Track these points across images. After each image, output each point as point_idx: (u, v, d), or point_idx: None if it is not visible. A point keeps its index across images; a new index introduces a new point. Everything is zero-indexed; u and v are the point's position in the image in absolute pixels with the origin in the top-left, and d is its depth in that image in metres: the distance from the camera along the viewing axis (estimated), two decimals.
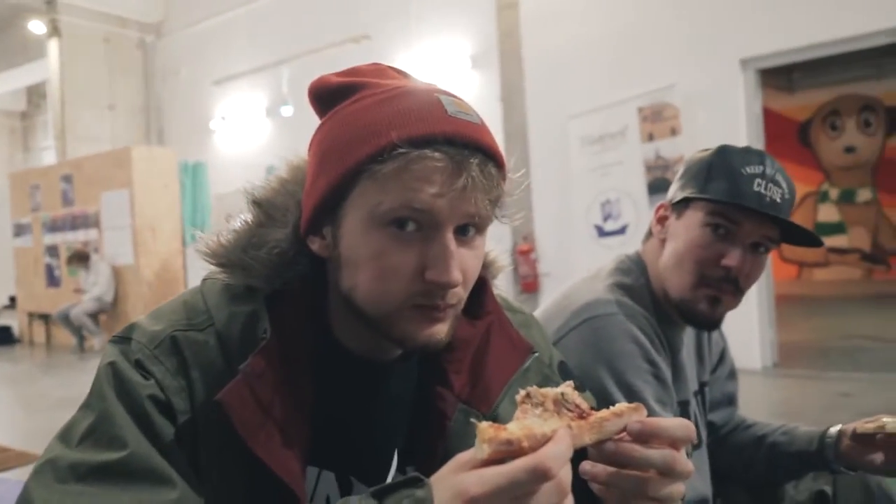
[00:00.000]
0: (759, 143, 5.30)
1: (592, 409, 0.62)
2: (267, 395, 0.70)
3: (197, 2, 9.83)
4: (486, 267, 0.89)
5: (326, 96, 0.78)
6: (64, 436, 0.69)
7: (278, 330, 0.74)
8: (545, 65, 6.36)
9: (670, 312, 1.28)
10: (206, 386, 0.72)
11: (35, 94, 14.26)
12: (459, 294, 0.74)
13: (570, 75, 6.16)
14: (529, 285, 6.43)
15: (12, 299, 10.35)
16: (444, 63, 7.02)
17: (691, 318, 1.23)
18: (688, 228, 1.21)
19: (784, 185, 1.17)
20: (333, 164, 0.71)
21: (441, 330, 0.73)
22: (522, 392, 0.60)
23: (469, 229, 0.72)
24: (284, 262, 0.78)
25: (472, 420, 0.59)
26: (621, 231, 5.72)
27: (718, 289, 1.19)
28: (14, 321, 10.18)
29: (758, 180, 1.15)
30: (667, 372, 1.20)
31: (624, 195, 5.70)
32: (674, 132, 5.39)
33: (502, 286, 0.96)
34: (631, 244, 5.82)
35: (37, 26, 9.85)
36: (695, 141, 5.28)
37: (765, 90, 5.59)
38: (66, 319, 8.24)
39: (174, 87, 10.28)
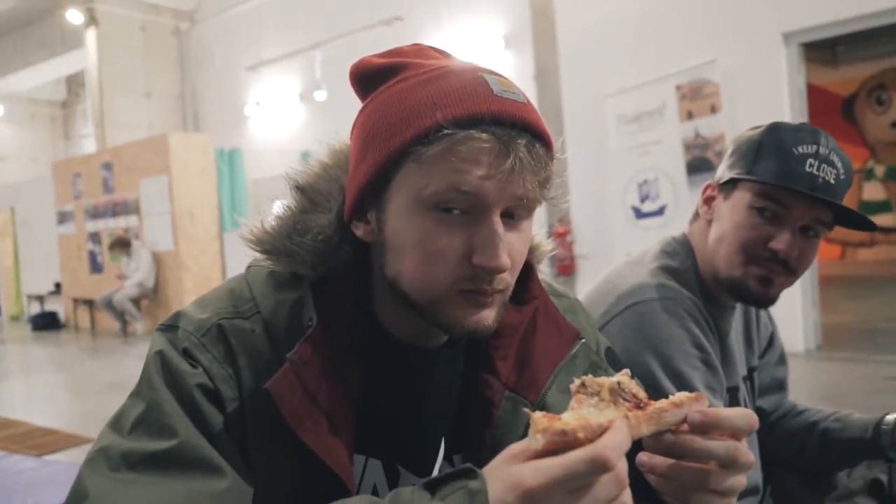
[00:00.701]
0: (802, 119, 5.15)
1: (650, 398, 0.60)
2: (314, 384, 0.70)
3: None
4: (531, 251, 0.86)
5: (368, 78, 0.76)
6: (115, 424, 0.70)
7: (324, 317, 0.73)
8: (580, 43, 6.25)
9: (719, 295, 1.24)
10: (253, 373, 0.72)
11: (74, 83, 14.54)
12: (507, 279, 0.72)
13: (606, 53, 6.06)
14: (566, 268, 6.38)
15: (58, 285, 10.61)
16: (477, 44, 6.96)
17: (744, 296, 1.20)
18: (734, 210, 1.17)
19: (839, 164, 1.11)
20: (377, 147, 0.70)
21: (488, 316, 0.72)
22: (577, 381, 0.58)
23: (516, 212, 0.71)
24: (329, 248, 0.77)
25: (525, 410, 0.58)
26: (659, 212, 5.63)
27: (768, 269, 1.15)
28: (60, 307, 10.46)
29: (810, 160, 1.10)
30: (716, 357, 1.17)
31: (662, 175, 5.60)
32: (713, 110, 5.27)
33: (545, 270, 0.94)
34: (669, 226, 5.79)
35: (74, 16, 9.99)
36: (736, 119, 5.17)
37: (808, 64, 5.42)
38: (109, 305, 8.44)
39: (208, 73, 10.37)
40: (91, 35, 10.00)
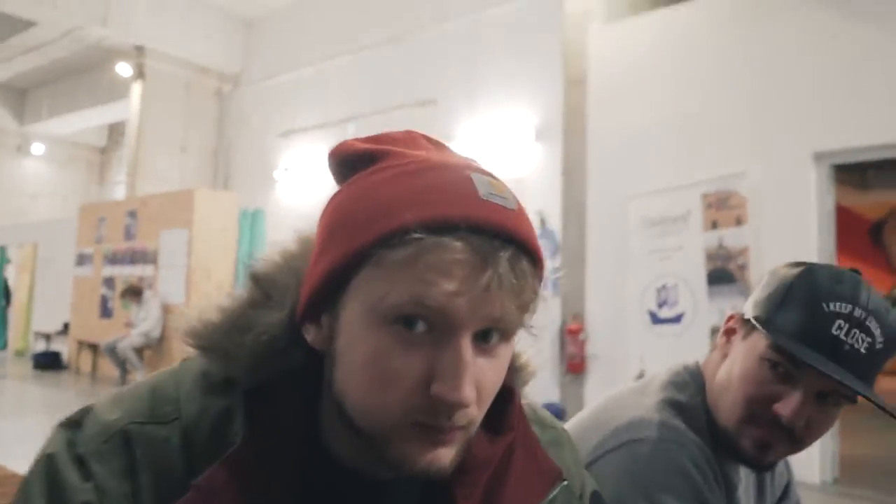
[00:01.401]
0: (829, 241, 5.05)
1: None
2: None
3: (274, 57, 10.19)
4: (516, 372, 0.76)
5: (347, 162, 0.66)
6: None
7: (256, 434, 0.62)
8: (609, 143, 6.28)
9: (729, 442, 1.09)
10: (156, 494, 0.60)
11: (115, 132, 14.95)
12: (471, 414, 0.60)
13: (634, 155, 6.06)
14: (576, 366, 6.20)
15: (66, 325, 10.58)
16: (508, 133, 7.02)
17: (737, 455, 1.06)
18: (747, 356, 1.04)
19: (877, 331, 0.95)
20: (338, 244, 0.60)
21: (444, 456, 0.60)
22: None
23: (492, 335, 0.60)
24: (273, 352, 0.66)
25: None
26: (676, 320, 5.49)
27: (768, 432, 1.00)
28: (64, 347, 10.38)
29: (840, 322, 0.94)
30: None
31: (682, 282, 5.49)
32: (739, 222, 5.19)
33: (535, 361, 0.83)
34: (685, 335, 5.63)
35: (124, 69, 10.34)
36: (761, 233, 5.08)
37: (837, 186, 5.36)
38: (112, 351, 8.34)
39: (244, 135, 10.58)
40: (137, 88, 10.30)
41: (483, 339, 0.59)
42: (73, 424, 0.64)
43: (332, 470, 0.66)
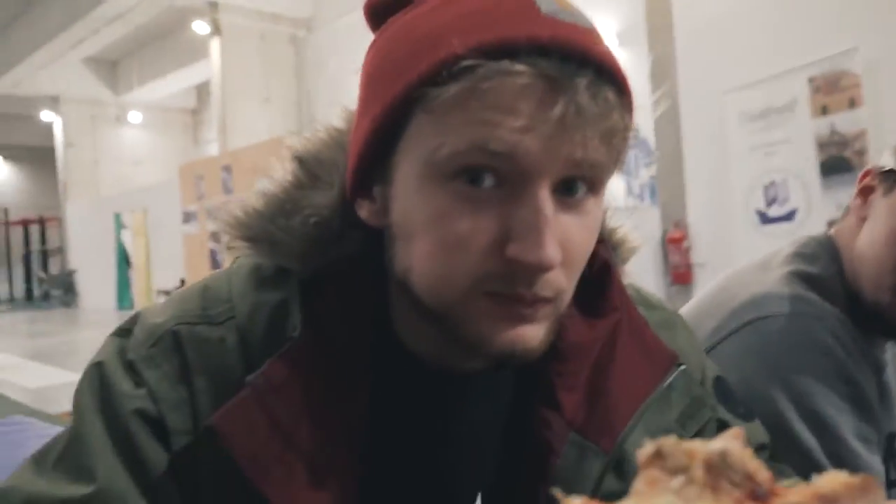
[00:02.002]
0: None
1: (778, 479, 0.35)
2: (289, 417, 0.52)
3: None
4: (613, 248, 0.66)
5: (381, 9, 0.56)
6: (40, 456, 0.55)
7: (316, 328, 0.55)
8: (698, 36, 5.84)
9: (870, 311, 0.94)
10: (215, 398, 0.54)
11: (203, 92, 15.35)
12: (558, 283, 0.51)
13: (728, 46, 5.60)
14: (681, 276, 5.97)
15: (182, 281, 11.19)
16: None
17: (888, 332, 0.92)
18: (892, 212, 0.88)
19: None
20: (379, 95, 0.51)
21: (530, 335, 0.51)
22: (650, 447, 0.34)
23: (577, 185, 0.50)
24: (327, 236, 0.58)
25: (555, 492, 0.33)
26: (789, 217, 5.15)
27: None
28: None
29: None
30: (871, 393, 0.87)
31: (792, 177, 5.12)
32: (853, 104, 4.74)
33: (637, 275, 0.71)
34: (800, 232, 5.22)
35: (201, 27, 10.50)
36: (881, 114, 4.63)
37: None
38: None
39: (323, 78, 10.60)
40: (215, 45, 10.46)
41: (566, 191, 0.50)
42: (123, 332, 0.59)
43: (408, 364, 0.59)
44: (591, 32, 0.49)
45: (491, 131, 0.46)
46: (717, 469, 0.33)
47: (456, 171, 0.48)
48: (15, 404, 5.37)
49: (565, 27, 0.47)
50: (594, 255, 0.60)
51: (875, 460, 0.84)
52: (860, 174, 0.95)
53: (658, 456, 0.33)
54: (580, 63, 0.46)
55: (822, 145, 4.91)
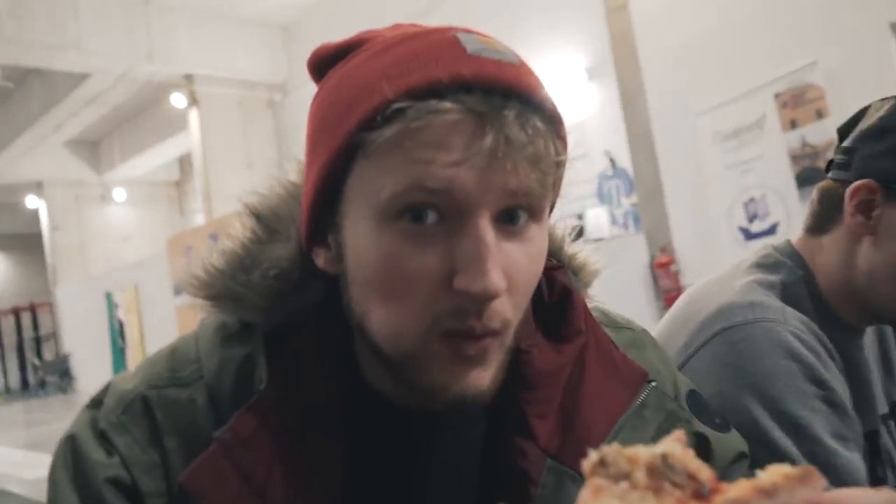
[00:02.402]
0: None
1: (720, 480, 0.36)
2: (260, 468, 0.53)
3: None
4: (574, 273, 0.68)
5: (324, 63, 0.59)
6: None
7: (282, 378, 0.56)
8: (665, 63, 5.95)
9: (843, 312, 0.96)
10: (186, 459, 0.54)
11: (186, 164, 15.46)
12: (504, 313, 0.52)
13: (694, 70, 5.72)
14: (673, 300, 5.95)
15: None
16: (559, 80, 6.80)
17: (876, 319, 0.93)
18: None
19: None
20: (323, 144, 0.53)
21: (481, 377, 0.53)
22: (594, 456, 0.35)
23: (517, 214, 0.51)
24: (287, 287, 0.59)
25: None
26: (771, 231, 5.18)
27: None
28: None
29: None
30: (842, 392, 0.88)
31: (770, 192, 5.18)
32: (820, 115, 4.83)
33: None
34: None
35: (178, 99, 10.63)
36: None
37: None
38: None
39: (302, 140, 10.71)
40: (194, 116, 10.58)
41: (508, 220, 0.51)
42: (95, 402, 0.60)
43: (377, 405, 0.60)
44: (515, 66, 0.51)
45: (426, 169, 0.48)
46: (659, 471, 0.35)
47: (399, 211, 0.50)
48: (14, 496, 5.26)
49: (488, 63, 0.49)
50: (553, 281, 0.64)
51: (854, 457, 0.84)
52: (850, 189, 0.93)
53: (601, 464, 0.35)
54: (504, 96, 0.48)
55: (795, 158, 4.98)
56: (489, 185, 0.48)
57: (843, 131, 1.00)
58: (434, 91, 0.48)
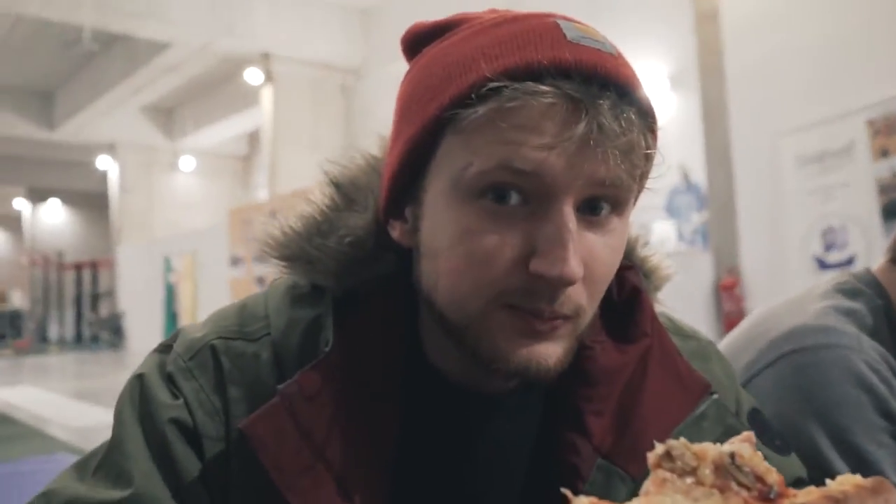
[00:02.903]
0: None
1: (789, 486, 0.36)
2: (319, 427, 0.54)
3: (393, 45, 10.14)
4: (646, 276, 0.68)
5: (417, 39, 0.60)
6: (82, 462, 0.59)
7: (347, 343, 0.57)
8: (752, 78, 5.78)
9: None
10: (248, 409, 0.56)
11: (254, 140, 15.78)
12: (578, 300, 0.52)
13: (782, 88, 5.53)
14: (735, 324, 5.76)
15: None
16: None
17: None
18: None
19: None
20: (412, 119, 0.54)
21: (548, 351, 0.52)
22: (660, 448, 0.35)
23: (600, 205, 0.52)
24: (361, 255, 0.60)
25: (564, 492, 0.33)
26: (848, 263, 4.97)
27: None
28: None
29: None
30: None
31: (850, 222, 4.96)
32: None
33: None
34: None
35: (253, 76, 10.83)
36: None
37: None
38: None
39: (371, 126, 10.79)
40: (267, 92, 10.77)
41: (590, 210, 0.52)
42: (165, 347, 0.63)
43: (437, 382, 0.61)
44: (614, 57, 0.51)
45: (516, 150, 0.48)
46: (726, 470, 0.35)
47: (483, 190, 0.50)
48: (60, 443, 5.41)
49: (589, 52, 0.50)
50: (624, 281, 0.64)
51: None
52: None
53: (667, 457, 0.35)
54: (602, 85, 0.49)
55: (883, 188, 4.76)
56: (577, 172, 0.49)
57: None
58: (532, 73, 0.48)
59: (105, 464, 0.56)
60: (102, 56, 12.24)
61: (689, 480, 0.34)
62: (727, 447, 0.36)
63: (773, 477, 0.35)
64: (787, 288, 5.36)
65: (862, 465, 0.78)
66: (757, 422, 0.68)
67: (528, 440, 0.62)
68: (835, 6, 5.26)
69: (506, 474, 0.62)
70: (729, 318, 5.80)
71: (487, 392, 0.60)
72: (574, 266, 0.49)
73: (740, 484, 0.34)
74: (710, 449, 0.35)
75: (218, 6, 9.74)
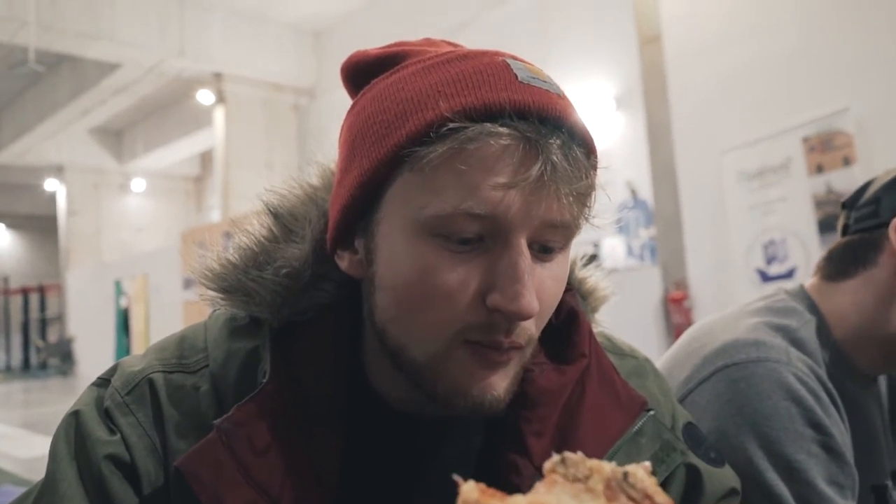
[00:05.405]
0: None
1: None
2: (258, 459, 0.54)
3: None
4: (583, 297, 0.70)
5: (362, 72, 0.60)
6: (17, 503, 0.57)
7: (285, 372, 0.58)
8: (694, 98, 5.96)
9: (856, 360, 0.94)
10: (187, 444, 0.56)
11: (206, 160, 15.58)
12: (529, 332, 0.55)
13: (723, 107, 5.72)
14: None
15: None
16: (587, 106, 6.81)
17: None
18: None
19: None
20: (365, 153, 0.54)
21: (499, 382, 0.54)
22: (556, 457, 0.37)
23: (549, 242, 0.54)
24: (297, 287, 0.61)
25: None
26: (789, 275, 5.14)
27: None
28: None
29: None
30: (841, 440, 0.87)
31: (790, 235, 5.13)
32: (847, 162, 4.79)
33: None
34: None
35: (205, 96, 10.73)
36: (873, 172, 4.66)
37: None
38: None
39: (324, 146, 10.76)
40: (219, 113, 10.67)
41: (540, 248, 0.54)
42: (102, 381, 0.62)
43: (379, 409, 0.62)
44: (562, 98, 0.54)
45: (474, 192, 0.49)
46: (618, 486, 0.36)
47: (439, 230, 0.51)
48: (7, 474, 5.25)
49: (540, 93, 0.52)
50: (561, 304, 0.64)
51: None
52: (893, 224, 0.92)
53: (561, 463, 0.36)
54: (555, 125, 0.51)
55: (818, 203, 4.95)
56: (533, 211, 0.50)
57: (850, 204, 1.01)
58: (490, 114, 0.50)
59: (40, 502, 0.55)
60: (49, 77, 11.99)
61: (577, 487, 0.36)
62: (623, 468, 0.37)
63: (663, 498, 0.36)
64: (733, 299, 5.52)
65: (791, 474, 0.81)
66: (691, 435, 0.70)
67: (470, 462, 0.63)
68: (772, 30, 5.48)
69: (449, 497, 0.61)
70: (678, 329, 5.93)
71: (431, 416, 0.61)
72: (531, 300, 0.50)
73: (630, 498, 0.36)
74: (606, 465, 0.37)
75: (168, 26, 9.64)
